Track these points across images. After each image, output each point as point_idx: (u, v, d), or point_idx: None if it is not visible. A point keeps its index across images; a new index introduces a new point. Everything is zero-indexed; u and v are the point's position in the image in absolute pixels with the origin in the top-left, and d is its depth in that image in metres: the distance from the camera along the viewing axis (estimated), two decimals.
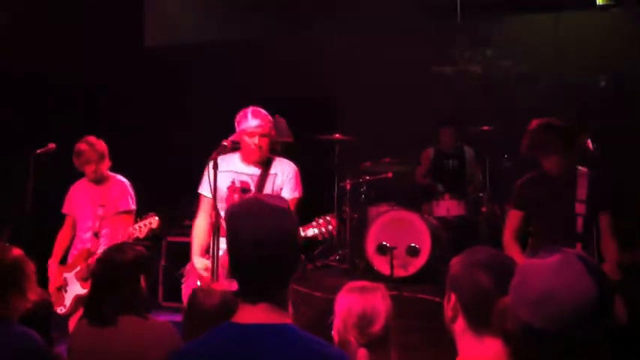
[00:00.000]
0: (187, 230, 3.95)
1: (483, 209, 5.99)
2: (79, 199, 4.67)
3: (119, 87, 6.76)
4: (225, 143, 3.55)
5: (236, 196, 3.73)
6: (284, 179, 3.78)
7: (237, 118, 3.78)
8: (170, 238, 6.21)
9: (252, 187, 3.76)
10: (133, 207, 4.63)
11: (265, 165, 3.80)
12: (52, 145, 4.70)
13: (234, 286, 1.74)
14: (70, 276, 4.41)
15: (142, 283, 2.72)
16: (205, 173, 3.80)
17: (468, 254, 1.75)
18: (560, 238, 3.46)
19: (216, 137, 3.58)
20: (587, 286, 1.32)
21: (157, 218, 4.02)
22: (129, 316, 2.62)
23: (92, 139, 4.54)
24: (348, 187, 6.20)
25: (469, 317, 1.69)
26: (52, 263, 4.54)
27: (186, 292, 3.63)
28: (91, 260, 4.22)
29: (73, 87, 6.34)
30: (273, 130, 3.85)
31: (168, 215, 6.47)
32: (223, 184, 3.71)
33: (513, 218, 3.81)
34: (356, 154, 6.16)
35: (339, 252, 6.10)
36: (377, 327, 2.23)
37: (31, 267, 2.65)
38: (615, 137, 5.54)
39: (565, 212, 3.62)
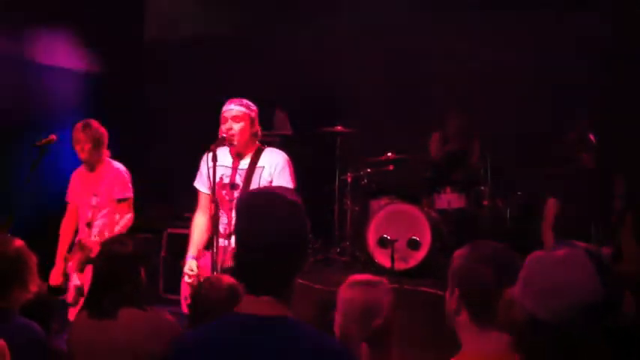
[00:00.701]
0: (188, 222, 3.91)
1: (485, 203, 5.97)
2: (77, 188, 4.63)
3: (120, 79, 6.74)
4: (223, 135, 3.50)
5: (224, 192, 3.59)
6: (272, 172, 3.56)
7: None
8: (171, 230, 6.21)
9: (240, 182, 3.60)
10: (129, 195, 4.51)
11: (254, 157, 3.62)
12: (53, 137, 4.69)
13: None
14: (70, 266, 4.41)
15: (142, 274, 2.72)
16: (201, 166, 3.75)
17: (472, 248, 1.75)
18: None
19: (217, 130, 3.57)
20: (592, 282, 1.33)
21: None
22: (129, 308, 2.62)
23: (91, 121, 4.48)
24: (350, 179, 6.20)
25: (472, 311, 1.69)
26: (60, 252, 4.50)
27: (185, 285, 3.60)
28: (82, 252, 4.20)
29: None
30: (255, 118, 3.61)
31: (167, 207, 6.50)
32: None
33: None
34: (357, 147, 6.14)
35: (340, 245, 6.10)
36: (379, 321, 2.23)
37: (32, 259, 2.63)
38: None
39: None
